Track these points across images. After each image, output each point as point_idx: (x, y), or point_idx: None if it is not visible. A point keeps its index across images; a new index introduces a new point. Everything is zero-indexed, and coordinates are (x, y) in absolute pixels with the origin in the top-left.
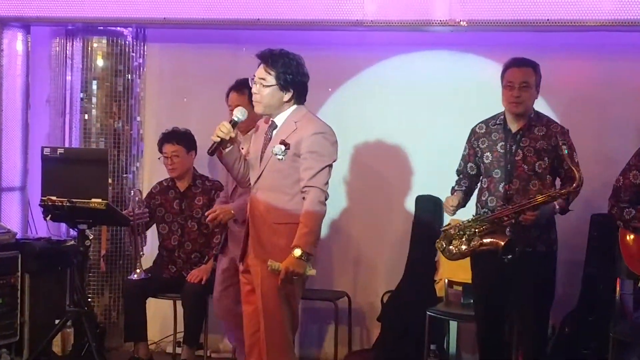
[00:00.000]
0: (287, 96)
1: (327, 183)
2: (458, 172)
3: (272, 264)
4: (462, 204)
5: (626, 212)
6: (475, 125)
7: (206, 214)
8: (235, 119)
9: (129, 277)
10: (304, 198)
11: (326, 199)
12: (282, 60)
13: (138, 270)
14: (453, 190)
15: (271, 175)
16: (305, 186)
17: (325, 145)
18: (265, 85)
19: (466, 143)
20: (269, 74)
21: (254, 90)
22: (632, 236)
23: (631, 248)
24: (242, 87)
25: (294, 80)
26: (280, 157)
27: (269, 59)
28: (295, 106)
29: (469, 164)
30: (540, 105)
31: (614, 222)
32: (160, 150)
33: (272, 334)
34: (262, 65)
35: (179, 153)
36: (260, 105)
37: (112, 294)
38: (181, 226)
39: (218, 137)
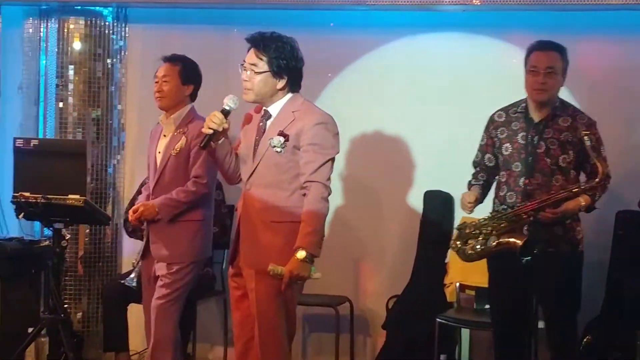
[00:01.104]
0: (280, 83)
1: (329, 178)
2: (475, 164)
3: (274, 268)
4: (480, 199)
5: None
6: (494, 113)
7: (130, 212)
8: (227, 107)
9: (124, 283)
10: (304, 194)
11: (329, 195)
12: (274, 44)
13: (133, 275)
14: (470, 185)
15: (268, 170)
16: (307, 181)
17: (327, 137)
18: (257, 72)
19: (484, 132)
20: (261, 59)
21: (244, 77)
22: None
23: None
24: (175, 59)
25: (288, 66)
26: (278, 149)
27: (261, 42)
28: (290, 94)
29: (487, 155)
30: (563, 92)
31: None
32: None
33: (267, 342)
34: (252, 50)
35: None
36: (251, 93)
37: (90, 299)
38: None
39: (210, 129)
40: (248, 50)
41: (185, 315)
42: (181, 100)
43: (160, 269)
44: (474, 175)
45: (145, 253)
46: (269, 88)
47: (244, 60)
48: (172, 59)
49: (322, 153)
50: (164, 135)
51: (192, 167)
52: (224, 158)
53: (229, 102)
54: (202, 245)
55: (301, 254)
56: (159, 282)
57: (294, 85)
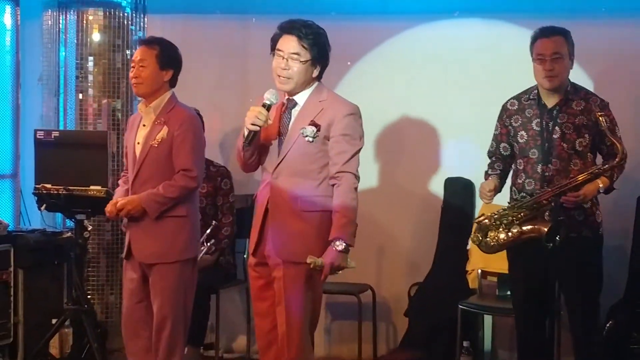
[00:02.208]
0: (316, 72)
1: (358, 169)
2: (490, 154)
3: (314, 261)
4: (499, 188)
5: None
6: (507, 102)
7: (109, 205)
8: (268, 102)
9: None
10: (333, 184)
11: (357, 186)
12: (313, 31)
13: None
14: (487, 175)
15: (298, 159)
16: (339, 172)
17: (357, 128)
18: (301, 61)
19: (497, 122)
20: (304, 47)
21: (282, 66)
22: None
23: None
24: (152, 42)
25: (325, 54)
26: (310, 139)
27: (303, 29)
28: (316, 83)
29: (502, 144)
30: (575, 76)
31: None
32: None
33: (293, 331)
34: (293, 38)
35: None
36: (291, 82)
37: (113, 290)
38: None
39: (256, 125)
40: (278, 38)
41: (202, 305)
42: (160, 86)
43: (148, 272)
44: (490, 165)
45: (128, 254)
46: (308, 76)
47: (280, 49)
48: (148, 42)
49: (354, 144)
50: (144, 125)
51: (176, 158)
52: (254, 150)
53: (270, 97)
54: (187, 243)
55: (340, 245)
56: (151, 290)
57: (322, 73)
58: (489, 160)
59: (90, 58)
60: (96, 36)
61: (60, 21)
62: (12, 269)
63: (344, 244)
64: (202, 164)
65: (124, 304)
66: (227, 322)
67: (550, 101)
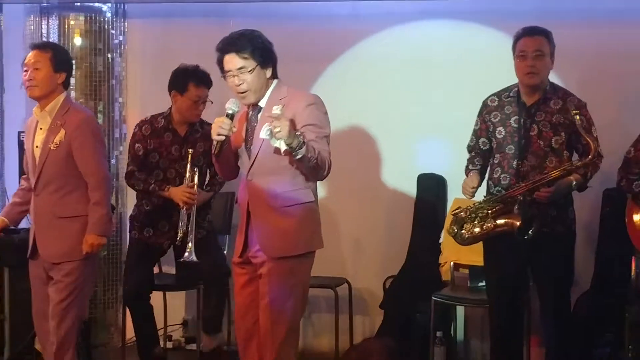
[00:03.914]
0: (268, 73)
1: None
2: (469, 148)
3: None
4: (480, 183)
5: (635, 185)
6: (487, 98)
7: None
8: (230, 111)
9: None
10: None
11: (330, 166)
12: (247, 39)
13: (187, 252)
14: (467, 170)
15: (268, 158)
16: None
17: (320, 116)
18: (249, 71)
19: (477, 117)
20: (245, 58)
21: (235, 82)
22: (637, 211)
23: (635, 224)
24: (45, 46)
25: (269, 52)
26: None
27: (237, 42)
28: (275, 81)
29: (481, 139)
30: (553, 77)
31: (626, 197)
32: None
33: (278, 326)
34: (231, 55)
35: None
36: (250, 93)
37: (97, 286)
38: (179, 175)
39: (221, 135)
40: (221, 60)
41: (218, 286)
42: (54, 88)
43: (50, 269)
44: (471, 160)
45: (33, 254)
46: (262, 81)
47: (227, 70)
48: (41, 46)
49: (320, 132)
50: (40, 128)
51: (80, 162)
52: (227, 159)
53: (231, 106)
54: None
55: (299, 134)
56: (52, 285)
57: (275, 70)
58: (468, 155)
59: (73, 62)
60: (78, 40)
61: (43, 26)
62: None
63: (303, 137)
64: (105, 161)
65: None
66: None
67: (529, 99)
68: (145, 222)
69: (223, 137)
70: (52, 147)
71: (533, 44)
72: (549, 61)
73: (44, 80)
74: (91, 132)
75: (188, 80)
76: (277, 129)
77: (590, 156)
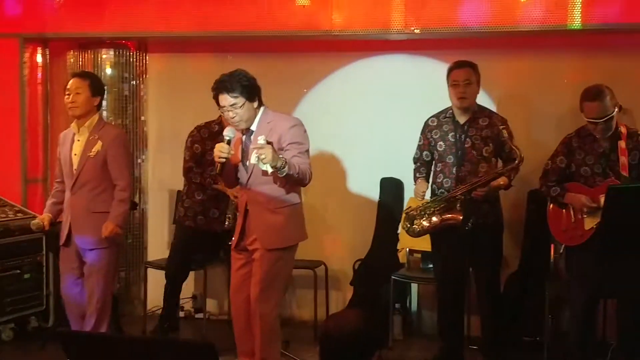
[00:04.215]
0: (255, 104)
1: (309, 165)
2: (415, 160)
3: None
4: (427, 188)
5: (552, 190)
6: (428, 119)
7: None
8: (227, 137)
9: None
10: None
11: (311, 175)
12: (235, 79)
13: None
14: (416, 178)
15: (261, 172)
16: None
17: (301, 135)
18: (239, 107)
19: (420, 134)
20: (235, 97)
21: (230, 115)
22: (556, 209)
23: (555, 220)
24: (84, 75)
25: (253, 87)
26: None
27: (227, 85)
28: (262, 108)
29: (424, 152)
30: (483, 99)
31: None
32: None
33: (265, 305)
34: (224, 95)
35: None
36: (242, 122)
37: (123, 267)
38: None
39: (222, 158)
40: (216, 97)
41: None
42: (90, 109)
43: (84, 254)
44: (417, 169)
45: (67, 242)
46: (251, 111)
47: (222, 106)
48: (81, 75)
49: (302, 147)
50: (78, 140)
51: (113, 169)
52: (229, 173)
53: (228, 134)
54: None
55: (282, 156)
56: (87, 268)
57: (260, 99)
58: (414, 165)
59: (105, 87)
60: (108, 70)
61: (80, 59)
62: (44, 252)
63: (285, 160)
64: (131, 169)
65: None
66: (214, 291)
67: (462, 118)
68: (198, 210)
69: (224, 160)
70: (90, 155)
71: (463, 74)
72: (476, 88)
73: (84, 102)
74: (124, 145)
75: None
76: (263, 156)
77: (517, 161)
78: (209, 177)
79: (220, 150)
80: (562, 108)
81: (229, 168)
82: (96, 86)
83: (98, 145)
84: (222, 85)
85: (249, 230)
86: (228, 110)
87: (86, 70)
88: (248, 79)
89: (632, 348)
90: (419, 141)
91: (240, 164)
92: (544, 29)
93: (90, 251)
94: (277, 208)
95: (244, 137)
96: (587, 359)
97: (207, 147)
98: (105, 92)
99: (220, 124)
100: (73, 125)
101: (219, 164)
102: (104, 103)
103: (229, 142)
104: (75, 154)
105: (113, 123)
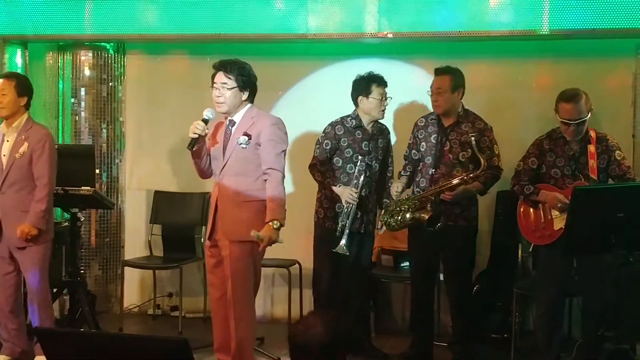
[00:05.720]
0: (244, 95)
1: (284, 166)
2: (405, 157)
3: (257, 234)
4: (407, 186)
5: (526, 189)
6: (418, 119)
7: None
8: (206, 117)
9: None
10: (265, 180)
11: (284, 179)
12: (237, 66)
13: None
14: (400, 175)
15: (236, 163)
16: (268, 168)
17: (280, 134)
18: (228, 88)
19: (411, 133)
20: (229, 78)
21: (216, 94)
22: (526, 209)
23: (525, 220)
24: (10, 75)
25: (249, 81)
26: (244, 145)
27: (227, 65)
28: (249, 104)
29: (412, 151)
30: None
31: (516, 198)
32: None
33: (239, 293)
34: (221, 72)
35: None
36: (224, 106)
37: (100, 265)
38: (369, 167)
39: (195, 133)
40: (214, 75)
41: None
42: (18, 109)
43: (15, 252)
44: (404, 167)
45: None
46: (237, 100)
47: (214, 82)
48: (7, 76)
49: (278, 146)
50: (7, 141)
51: (35, 167)
52: (202, 156)
53: (207, 113)
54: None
55: (276, 224)
56: (21, 265)
57: (251, 97)
58: (403, 162)
59: (83, 89)
60: (87, 72)
61: (59, 60)
62: None
63: (279, 223)
64: (54, 169)
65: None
66: (189, 289)
67: (446, 122)
68: (326, 207)
69: (196, 136)
70: (17, 156)
71: (436, 82)
72: (450, 95)
73: (10, 103)
74: (49, 145)
75: (371, 83)
76: (266, 246)
77: (479, 170)
78: (329, 177)
79: (196, 126)
80: (529, 112)
81: (201, 150)
82: (23, 86)
83: (25, 146)
84: (222, 64)
85: (218, 225)
86: (217, 88)
87: (14, 71)
88: (248, 72)
89: (596, 345)
90: (410, 140)
91: (219, 151)
92: (514, 36)
93: (20, 249)
94: (245, 202)
95: (227, 125)
96: (553, 355)
97: (343, 143)
98: (33, 92)
99: (357, 118)
100: (2, 125)
101: (192, 140)
102: (82, 104)
103: (206, 122)
104: (4, 155)
105: (93, 124)
